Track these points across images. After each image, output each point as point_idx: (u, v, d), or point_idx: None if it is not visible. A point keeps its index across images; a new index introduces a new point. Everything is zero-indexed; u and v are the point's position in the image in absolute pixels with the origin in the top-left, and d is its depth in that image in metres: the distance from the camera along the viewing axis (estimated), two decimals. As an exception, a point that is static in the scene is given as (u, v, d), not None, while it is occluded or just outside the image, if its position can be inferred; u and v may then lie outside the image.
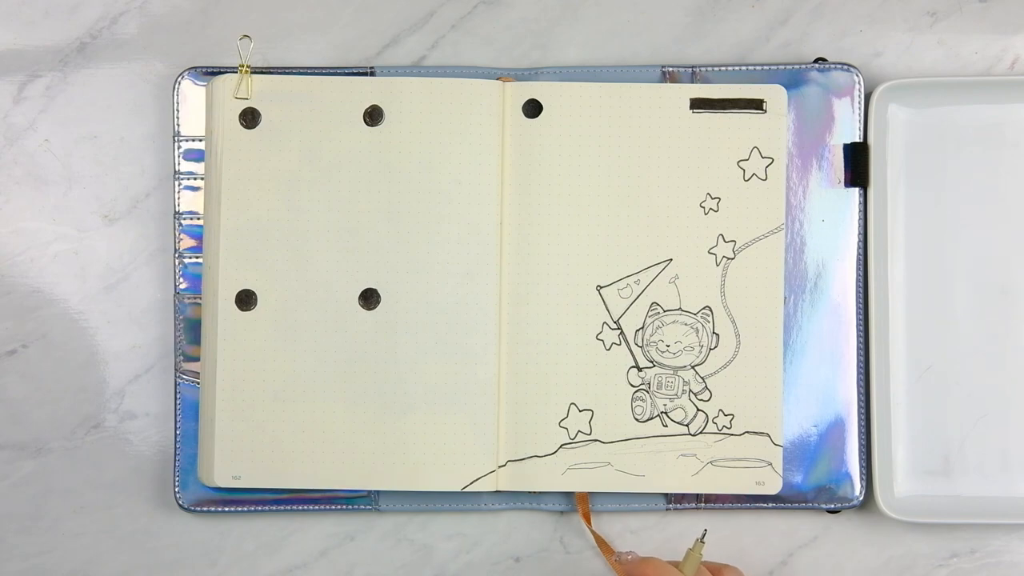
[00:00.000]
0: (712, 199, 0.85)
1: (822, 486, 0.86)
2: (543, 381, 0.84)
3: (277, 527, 0.87)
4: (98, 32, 0.87)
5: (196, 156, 0.86)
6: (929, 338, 0.86)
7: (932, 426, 0.86)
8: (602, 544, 0.85)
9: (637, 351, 0.85)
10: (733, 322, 0.85)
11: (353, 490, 0.85)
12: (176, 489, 0.85)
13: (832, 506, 0.86)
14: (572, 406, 0.85)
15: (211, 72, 0.85)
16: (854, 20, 0.88)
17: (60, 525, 0.87)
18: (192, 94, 0.86)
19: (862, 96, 0.86)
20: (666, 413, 0.85)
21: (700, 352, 0.85)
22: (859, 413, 0.85)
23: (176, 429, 0.85)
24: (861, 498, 0.85)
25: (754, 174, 0.85)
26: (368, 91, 0.85)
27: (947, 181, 0.86)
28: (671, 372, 0.85)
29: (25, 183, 0.87)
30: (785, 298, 0.85)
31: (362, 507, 0.86)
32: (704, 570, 0.77)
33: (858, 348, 0.85)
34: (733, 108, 0.85)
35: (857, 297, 0.86)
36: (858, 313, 0.85)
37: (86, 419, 0.87)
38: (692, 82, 0.86)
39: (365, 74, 0.86)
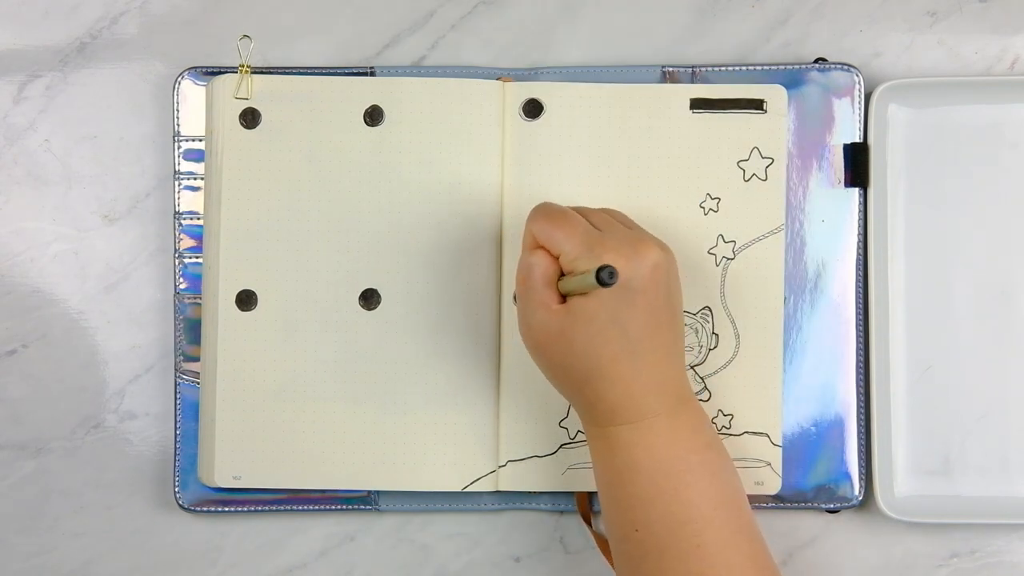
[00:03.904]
0: (712, 199, 0.85)
1: (822, 486, 0.85)
2: (543, 381, 0.84)
3: (277, 527, 0.87)
4: (98, 32, 0.87)
5: (196, 156, 0.86)
6: (929, 338, 0.86)
7: (932, 426, 0.86)
8: (602, 544, 0.85)
9: (637, 351, 0.85)
10: (733, 322, 0.85)
11: (353, 490, 0.85)
12: (176, 489, 0.85)
13: (832, 506, 0.86)
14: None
15: (211, 72, 0.85)
16: (854, 20, 0.88)
17: (60, 525, 0.87)
18: (192, 94, 0.86)
19: (862, 96, 0.86)
20: (666, 413, 0.85)
21: (700, 352, 0.85)
22: (859, 413, 0.85)
23: (176, 429, 0.85)
24: (861, 498, 0.85)
25: (754, 174, 0.85)
26: (368, 91, 0.85)
27: (947, 181, 0.86)
28: (671, 372, 0.85)
29: (25, 183, 0.87)
30: (785, 298, 0.85)
31: (362, 507, 0.86)
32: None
33: (858, 348, 0.85)
34: (733, 108, 0.85)
35: (857, 297, 0.86)
36: (858, 313, 0.85)
37: (86, 419, 0.87)
38: (692, 82, 0.86)
39: (365, 74, 0.86)
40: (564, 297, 0.75)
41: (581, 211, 0.77)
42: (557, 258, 0.75)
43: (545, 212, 0.76)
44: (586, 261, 0.73)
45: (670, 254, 0.76)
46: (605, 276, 0.69)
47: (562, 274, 0.75)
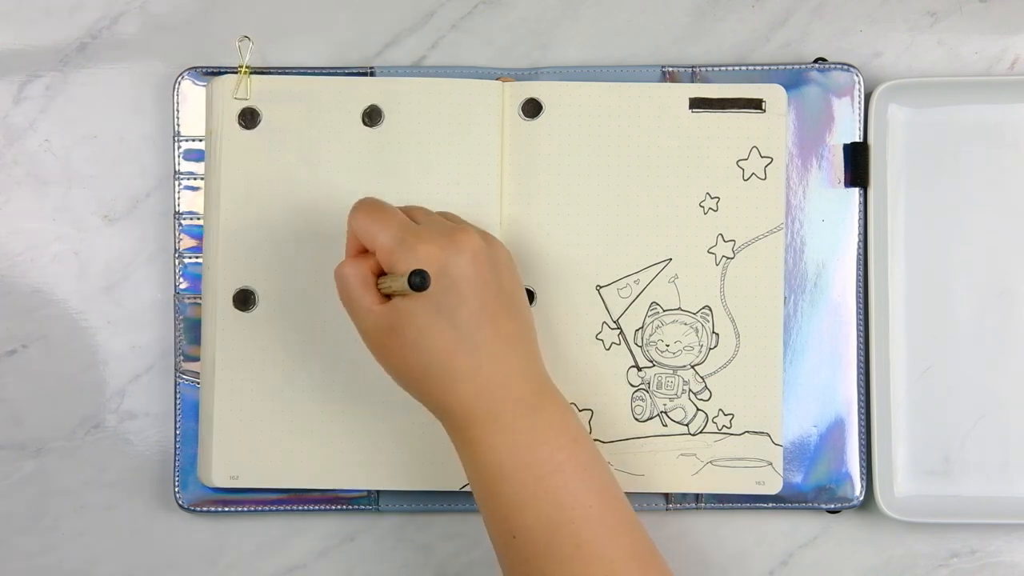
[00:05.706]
0: (711, 199, 0.85)
1: (822, 486, 0.85)
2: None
3: (277, 527, 0.87)
4: (98, 32, 0.87)
5: (196, 156, 0.86)
6: (929, 338, 0.86)
7: (932, 426, 0.86)
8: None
9: (637, 351, 0.85)
10: (733, 322, 0.85)
11: (353, 490, 0.85)
12: (176, 489, 0.85)
13: (832, 506, 0.85)
14: (572, 406, 0.84)
15: (211, 72, 0.86)
16: (854, 20, 0.88)
17: (60, 525, 0.87)
18: (192, 94, 0.86)
19: (862, 96, 0.86)
20: (666, 413, 0.85)
21: (700, 352, 0.85)
22: (859, 413, 0.85)
23: (176, 429, 0.85)
24: (861, 498, 0.85)
25: (753, 173, 0.85)
26: (367, 91, 0.85)
27: (947, 181, 0.86)
28: (671, 372, 0.85)
29: (25, 183, 0.87)
30: (785, 298, 0.85)
31: (362, 507, 0.86)
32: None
33: (858, 348, 0.85)
34: (732, 108, 0.85)
35: (857, 297, 0.86)
36: (858, 313, 0.85)
37: (86, 419, 0.87)
38: (692, 82, 0.86)
39: (365, 74, 0.86)
40: (389, 296, 0.74)
41: (405, 209, 0.77)
42: (375, 254, 0.74)
43: (362, 206, 0.75)
44: (401, 252, 0.72)
45: (496, 244, 0.75)
46: (416, 281, 0.68)
47: (383, 273, 0.74)
